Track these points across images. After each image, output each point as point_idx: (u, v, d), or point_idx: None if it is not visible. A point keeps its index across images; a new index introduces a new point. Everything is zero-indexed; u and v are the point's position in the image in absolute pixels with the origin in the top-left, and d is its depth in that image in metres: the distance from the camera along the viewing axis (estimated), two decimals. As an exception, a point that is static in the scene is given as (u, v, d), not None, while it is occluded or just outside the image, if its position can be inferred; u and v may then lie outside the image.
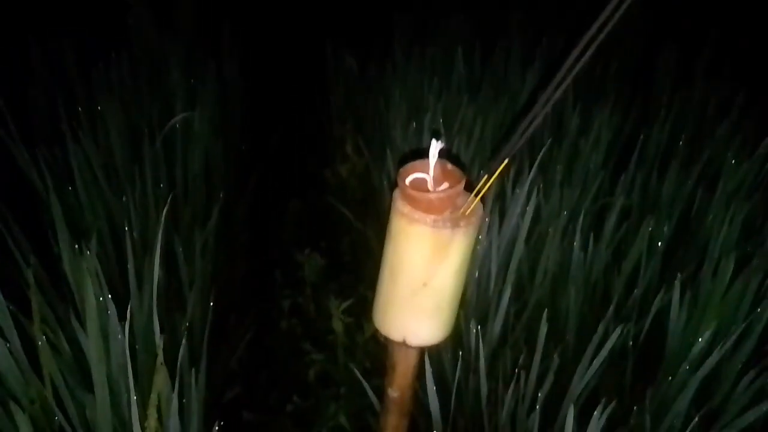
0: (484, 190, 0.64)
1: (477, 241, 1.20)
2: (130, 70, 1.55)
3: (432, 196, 0.65)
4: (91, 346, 0.86)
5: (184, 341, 0.93)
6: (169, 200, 1.02)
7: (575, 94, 1.60)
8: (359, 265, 1.68)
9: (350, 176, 1.92)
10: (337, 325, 1.39)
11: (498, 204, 1.27)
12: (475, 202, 0.65)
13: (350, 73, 1.99)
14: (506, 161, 0.62)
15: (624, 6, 0.48)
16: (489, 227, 1.24)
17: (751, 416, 1.05)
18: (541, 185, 1.35)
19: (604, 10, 0.48)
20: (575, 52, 0.51)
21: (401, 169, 0.67)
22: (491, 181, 0.63)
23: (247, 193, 1.73)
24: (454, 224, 0.65)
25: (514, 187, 1.30)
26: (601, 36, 0.50)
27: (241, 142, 1.81)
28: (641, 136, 1.46)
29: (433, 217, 0.65)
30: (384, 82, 1.83)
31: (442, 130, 1.41)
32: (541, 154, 1.31)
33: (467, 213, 0.66)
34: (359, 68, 1.98)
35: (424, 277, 0.68)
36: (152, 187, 1.29)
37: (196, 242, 1.31)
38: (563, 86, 0.54)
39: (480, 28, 1.94)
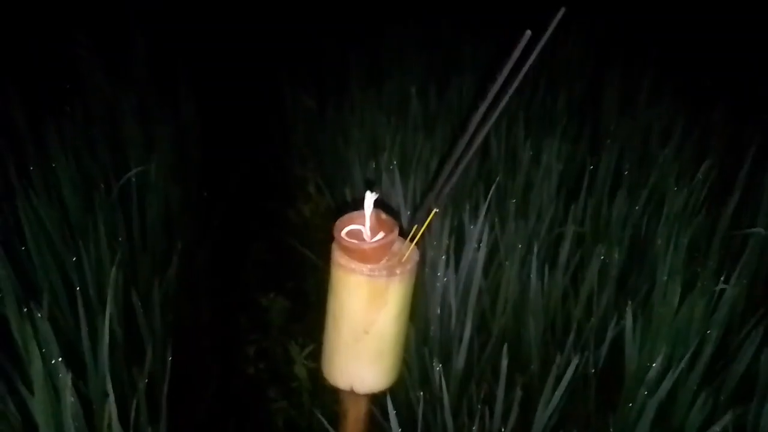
0: (417, 239, 0.66)
1: (419, 282, 1.21)
2: (84, 120, 1.54)
3: (366, 246, 0.66)
4: (38, 411, 0.84)
5: (135, 401, 0.91)
6: (118, 254, 1.02)
7: (526, 127, 1.65)
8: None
9: (313, 215, 1.93)
10: (300, 371, 1.38)
11: (453, 239, 1.29)
12: (410, 249, 0.67)
13: (309, 114, 2.03)
14: (434, 212, 0.64)
15: (527, 66, 0.51)
16: (446, 263, 1.26)
17: (707, 437, 1.07)
18: (496, 218, 1.38)
19: (504, 67, 0.51)
20: (485, 102, 0.54)
21: (337, 221, 0.69)
22: (422, 229, 0.65)
23: (209, 238, 1.73)
24: (390, 272, 0.67)
25: (470, 221, 1.33)
26: (510, 91, 0.53)
27: (201, 187, 1.82)
28: (590, 165, 1.50)
29: (369, 266, 0.67)
30: (342, 121, 1.86)
31: (397, 170, 1.43)
32: (492, 188, 1.34)
33: (403, 260, 0.67)
34: (318, 109, 2.01)
35: (364, 324, 0.69)
36: (108, 240, 1.28)
37: (155, 293, 1.29)
38: (482, 135, 0.56)
39: (434, 66, 2.00)
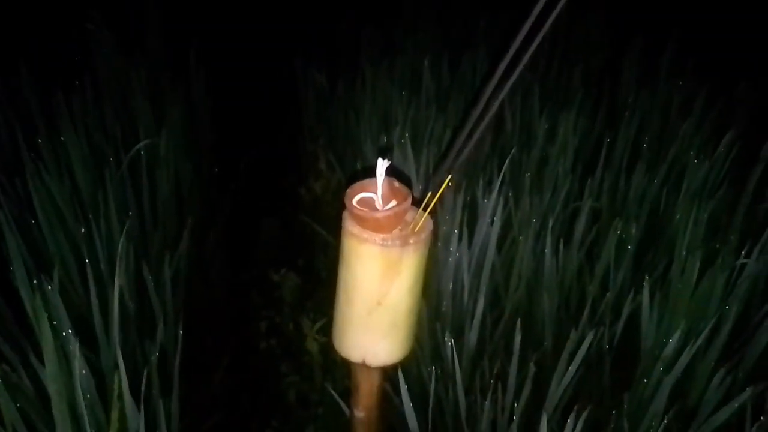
0: (431, 206, 0.64)
1: (432, 256, 1.19)
2: (94, 95, 1.53)
3: (379, 215, 0.64)
4: (50, 383, 0.84)
5: (146, 371, 0.91)
6: (126, 225, 1.01)
7: (541, 101, 1.61)
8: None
9: (325, 192, 1.91)
10: (312, 346, 1.37)
11: (466, 214, 1.27)
12: (423, 218, 0.65)
13: (320, 90, 2.00)
14: (449, 177, 0.62)
15: (545, 28, 0.48)
16: (459, 238, 1.24)
17: (725, 413, 1.05)
18: (510, 193, 1.35)
19: (521, 30, 0.48)
20: (501, 67, 0.52)
21: (348, 189, 0.67)
22: (437, 197, 0.63)
23: (220, 214, 1.72)
24: (404, 242, 0.65)
25: (484, 196, 1.30)
26: (530, 51, 0.50)
27: (212, 163, 1.80)
28: (607, 139, 1.47)
29: (382, 235, 0.65)
30: (354, 97, 1.83)
31: (409, 143, 1.41)
32: (507, 162, 1.31)
33: (416, 230, 0.65)
34: (329, 84, 1.98)
35: (377, 296, 0.67)
36: (118, 214, 1.27)
37: (166, 268, 1.29)
38: (498, 100, 0.54)
39: (446, 40, 1.96)
